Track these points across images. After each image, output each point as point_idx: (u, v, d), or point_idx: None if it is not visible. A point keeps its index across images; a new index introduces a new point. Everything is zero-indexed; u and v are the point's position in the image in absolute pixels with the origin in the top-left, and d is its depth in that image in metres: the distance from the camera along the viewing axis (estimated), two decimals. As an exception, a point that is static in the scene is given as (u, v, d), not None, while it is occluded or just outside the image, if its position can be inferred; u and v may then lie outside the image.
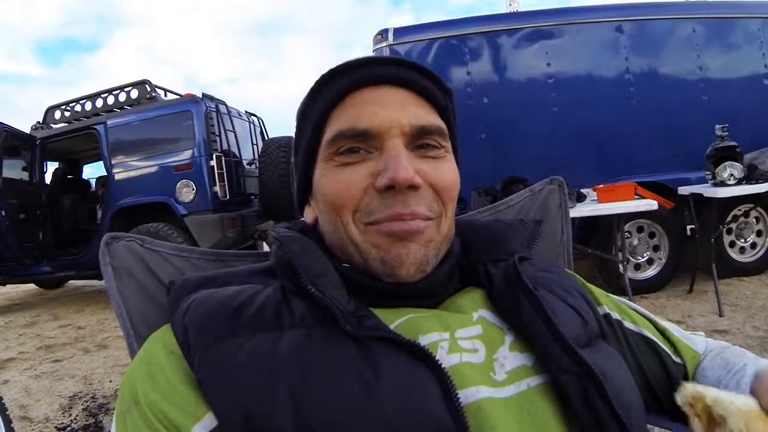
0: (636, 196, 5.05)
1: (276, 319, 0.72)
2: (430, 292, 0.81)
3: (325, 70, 0.84)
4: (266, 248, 8.31)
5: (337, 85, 0.81)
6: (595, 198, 5.10)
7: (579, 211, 4.70)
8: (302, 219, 0.94)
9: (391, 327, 0.72)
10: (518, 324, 0.77)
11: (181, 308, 0.76)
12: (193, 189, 7.05)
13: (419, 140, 0.79)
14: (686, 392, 0.65)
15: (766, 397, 0.62)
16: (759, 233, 5.99)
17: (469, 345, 0.73)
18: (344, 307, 0.71)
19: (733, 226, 5.88)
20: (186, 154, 7.16)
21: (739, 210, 5.81)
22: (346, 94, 0.80)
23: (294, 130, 0.91)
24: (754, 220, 5.96)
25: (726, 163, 5.18)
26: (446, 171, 0.81)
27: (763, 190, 5.13)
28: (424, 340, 0.71)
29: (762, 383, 0.74)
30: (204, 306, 0.75)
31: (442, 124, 0.82)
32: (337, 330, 0.69)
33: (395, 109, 0.78)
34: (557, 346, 0.73)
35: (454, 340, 0.73)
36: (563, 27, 6.21)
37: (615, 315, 0.95)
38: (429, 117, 0.81)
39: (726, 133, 5.23)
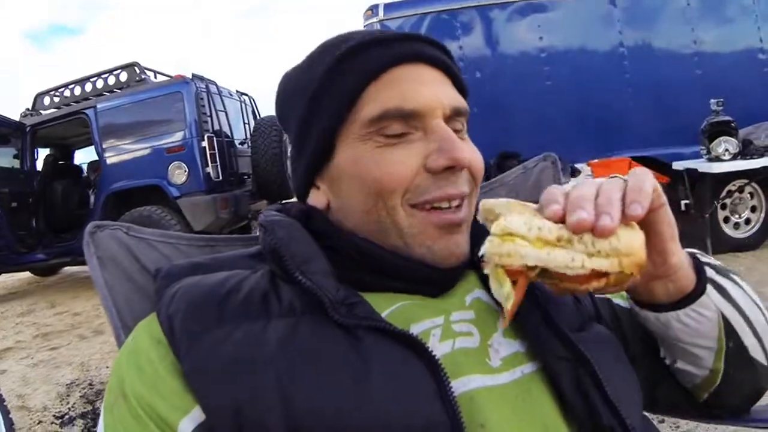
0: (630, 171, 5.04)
1: (264, 307, 0.70)
2: (454, 279, 0.80)
3: (342, 40, 0.80)
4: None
5: (372, 59, 0.76)
6: (590, 173, 5.10)
7: (573, 187, 4.70)
8: (294, 201, 0.90)
9: (383, 315, 0.70)
10: None
11: (166, 296, 0.74)
12: (185, 171, 7.01)
13: (450, 122, 0.77)
14: (480, 207, 0.67)
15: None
16: (753, 209, 5.99)
17: (464, 328, 0.72)
18: (333, 295, 0.69)
19: (728, 201, 5.86)
20: (177, 136, 7.11)
21: (734, 185, 5.79)
22: (384, 70, 0.76)
23: (282, 102, 0.87)
24: (748, 195, 5.95)
25: (721, 138, 5.19)
26: (476, 151, 0.80)
27: (758, 166, 5.15)
28: (416, 329, 0.70)
29: None
30: (189, 294, 0.72)
31: (467, 106, 0.81)
32: (327, 318, 0.67)
33: (437, 90, 0.76)
34: (549, 332, 0.72)
35: (449, 323, 0.72)
36: (556, 0, 6.17)
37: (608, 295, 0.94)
38: (460, 99, 0.79)
39: (721, 108, 5.24)
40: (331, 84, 0.77)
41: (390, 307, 0.73)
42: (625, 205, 0.59)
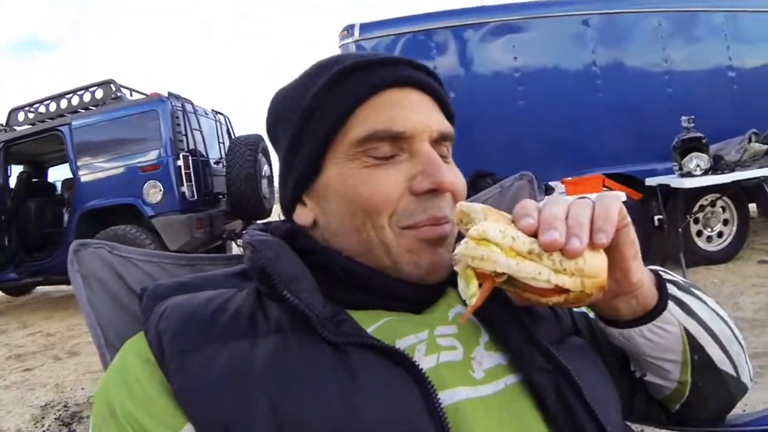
0: (604, 188, 5.11)
1: (251, 326, 0.70)
2: (436, 296, 0.81)
3: (331, 60, 0.83)
4: (235, 249, 8.20)
5: (364, 81, 0.78)
6: (563, 190, 5.14)
7: (548, 204, 4.75)
8: (278, 220, 0.91)
9: (369, 331, 0.71)
10: (490, 322, 0.77)
11: (154, 315, 0.74)
12: (160, 190, 6.95)
13: (436, 146, 0.79)
14: (457, 208, 0.70)
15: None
16: (725, 222, 6.10)
17: (448, 342, 0.73)
18: (320, 312, 0.69)
19: (700, 215, 5.98)
20: (152, 155, 7.07)
21: (706, 200, 5.91)
22: (375, 92, 0.78)
23: (274, 118, 0.88)
24: (720, 209, 6.07)
25: (692, 154, 5.28)
26: (460, 176, 0.82)
27: (729, 180, 5.25)
28: (401, 344, 0.70)
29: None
30: (177, 313, 0.72)
31: (453, 131, 0.83)
32: (314, 335, 0.67)
33: (424, 114, 0.78)
34: (530, 345, 0.73)
35: (433, 338, 0.73)
36: (530, 21, 6.28)
37: (584, 310, 0.95)
38: (447, 124, 0.82)
39: (692, 125, 5.34)
40: (323, 103, 0.79)
41: (375, 323, 0.73)
42: (592, 231, 0.62)
